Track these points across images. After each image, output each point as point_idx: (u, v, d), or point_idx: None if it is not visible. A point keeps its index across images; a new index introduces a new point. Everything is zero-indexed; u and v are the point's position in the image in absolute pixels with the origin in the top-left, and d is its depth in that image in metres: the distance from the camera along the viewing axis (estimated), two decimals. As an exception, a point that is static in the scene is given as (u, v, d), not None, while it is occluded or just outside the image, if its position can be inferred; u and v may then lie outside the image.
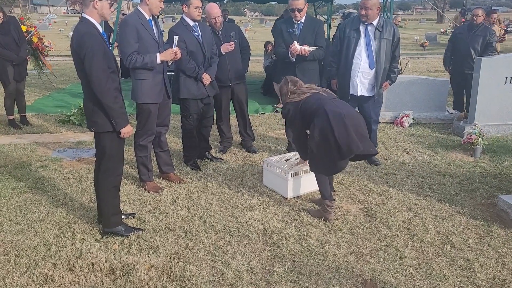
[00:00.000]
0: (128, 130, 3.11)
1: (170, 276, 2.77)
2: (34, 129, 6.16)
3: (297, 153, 4.19)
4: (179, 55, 3.88)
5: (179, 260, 2.95)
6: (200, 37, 4.33)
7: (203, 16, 4.82)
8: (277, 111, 7.21)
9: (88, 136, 5.66)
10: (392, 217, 3.57)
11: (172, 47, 3.88)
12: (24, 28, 6.63)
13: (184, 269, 2.83)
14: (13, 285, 2.67)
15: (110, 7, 3.05)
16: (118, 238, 3.20)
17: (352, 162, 4.62)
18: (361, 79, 4.57)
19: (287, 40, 4.70)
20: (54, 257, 2.95)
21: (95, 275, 2.76)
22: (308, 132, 3.53)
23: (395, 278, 2.77)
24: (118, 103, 3.01)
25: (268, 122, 6.64)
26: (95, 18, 2.97)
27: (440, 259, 2.98)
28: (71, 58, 3.04)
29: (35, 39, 7.25)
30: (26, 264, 2.88)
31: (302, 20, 4.68)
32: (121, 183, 3.46)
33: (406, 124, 6.24)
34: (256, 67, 12.34)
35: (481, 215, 3.61)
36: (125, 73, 8.98)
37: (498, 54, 7.40)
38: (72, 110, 6.50)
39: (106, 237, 3.21)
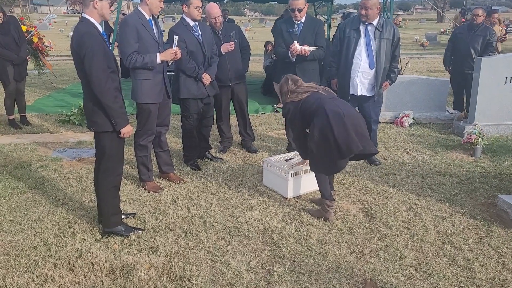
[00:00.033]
0: (128, 130, 3.11)
1: (170, 276, 2.77)
2: (34, 129, 6.16)
3: (298, 153, 4.19)
4: (179, 55, 3.88)
5: (179, 260, 2.95)
6: (200, 37, 4.33)
7: (203, 16, 4.82)
8: (277, 111, 7.21)
9: (88, 136, 5.66)
10: (392, 217, 3.57)
11: (172, 47, 3.88)
12: (24, 28, 6.63)
13: (184, 269, 2.83)
14: (13, 285, 2.67)
15: (110, 7, 3.06)
16: (118, 238, 3.20)
17: (352, 162, 4.62)
18: (361, 79, 4.57)
19: (287, 40, 4.70)
20: (54, 257, 2.96)
21: (95, 275, 2.76)
22: (308, 131, 3.53)
23: (395, 278, 2.77)
24: (118, 103, 3.01)
25: (268, 122, 6.64)
26: (95, 18, 2.97)
27: (440, 259, 2.98)
28: (71, 58, 3.04)
29: (35, 39, 7.25)
30: (26, 264, 2.88)
31: (302, 20, 4.68)
32: (121, 183, 3.46)
33: (406, 124, 6.24)
34: (256, 67, 12.34)
35: (481, 215, 3.61)
36: (125, 73, 8.98)
37: (500, 53, 7.41)
38: (72, 110, 6.50)
39: (106, 237, 3.21)
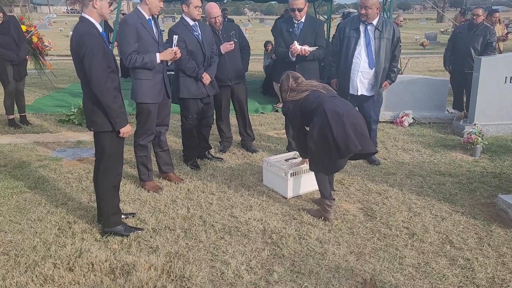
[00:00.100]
0: (127, 130, 3.11)
1: (170, 275, 2.77)
2: (34, 128, 6.16)
3: (297, 153, 4.19)
4: (178, 55, 3.88)
5: (179, 259, 2.95)
6: (200, 37, 4.33)
7: (203, 15, 4.82)
8: (276, 111, 7.21)
9: (88, 136, 5.66)
10: (391, 216, 3.57)
11: (171, 47, 3.88)
12: (24, 27, 6.63)
13: (183, 268, 2.83)
14: (12, 284, 2.67)
15: (110, 6, 3.05)
16: (117, 238, 3.20)
17: (352, 162, 4.62)
18: (361, 79, 4.57)
19: (287, 39, 4.70)
20: (54, 256, 2.96)
21: (94, 275, 2.76)
22: (308, 129, 3.53)
23: (395, 277, 2.77)
24: (117, 103, 3.01)
25: (268, 122, 6.64)
26: (94, 18, 2.97)
27: (440, 259, 2.98)
28: (71, 58, 3.04)
29: (35, 39, 7.25)
30: (25, 263, 2.88)
31: (302, 20, 4.68)
32: (121, 183, 3.45)
33: (406, 124, 6.24)
34: (256, 66, 12.34)
35: (481, 214, 3.61)
36: (124, 73, 8.98)
37: (501, 53, 7.40)
38: (72, 110, 6.50)
39: (106, 237, 3.21)
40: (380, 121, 5.65)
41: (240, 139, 5.33)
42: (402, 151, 5.22)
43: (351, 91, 4.63)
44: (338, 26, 5.88)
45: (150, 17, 3.79)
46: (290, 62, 4.64)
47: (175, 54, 3.84)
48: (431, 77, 7.23)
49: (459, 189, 4.12)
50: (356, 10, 10.64)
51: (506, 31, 8.20)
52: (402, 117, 6.29)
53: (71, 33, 3.26)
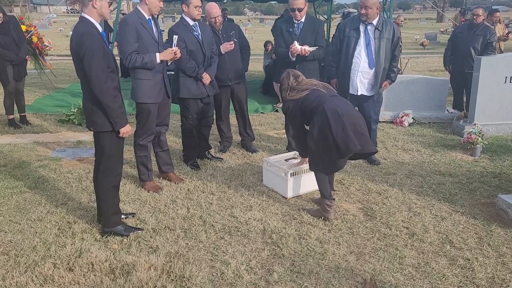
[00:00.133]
0: (127, 130, 3.11)
1: (170, 275, 2.77)
2: (34, 128, 6.16)
3: (297, 153, 4.19)
4: (178, 55, 3.88)
5: (179, 259, 2.95)
6: (200, 37, 4.33)
7: (203, 15, 4.82)
8: (276, 111, 7.22)
9: (87, 136, 5.66)
10: (391, 216, 3.57)
11: (171, 47, 3.88)
12: (24, 27, 6.63)
13: (183, 268, 2.83)
14: (12, 284, 2.67)
15: (109, 6, 3.05)
16: (117, 238, 3.20)
17: (352, 162, 4.62)
18: (361, 79, 4.57)
19: (287, 39, 4.70)
20: (54, 256, 2.96)
21: (94, 275, 2.76)
22: (308, 128, 3.52)
23: (395, 277, 2.77)
24: (117, 103, 3.01)
25: (268, 122, 6.64)
26: (94, 18, 2.97)
27: (440, 259, 2.98)
28: (71, 58, 3.03)
29: (34, 39, 7.25)
30: (25, 263, 2.88)
31: (302, 20, 4.68)
32: (121, 183, 3.45)
33: (406, 124, 6.24)
34: (256, 66, 12.34)
35: (481, 214, 3.61)
36: (124, 73, 8.98)
37: (502, 53, 7.39)
38: (72, 110, 6.50)
39: (106, 237, 3.21)
40: (380, 121, 5.65)
41: (240, 139, 5.33)
42: (402, 151, 5.22)
43: (351, 91, 4.63)
44: (338, 26, 5.88)
45: (150, 17, 3.79)
46: (290, 62, 4.64)
47: (175, 54, 3.84)
48: (431, 77, 7.22)
49: (459, 189, 4.12)
50: (356, 10, 10.63)
51: (507, 31, 8.19)
52: (402, 117, 6.29)
53: (71, 33, 3.25)
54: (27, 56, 6.31)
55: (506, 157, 4.92)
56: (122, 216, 3.41)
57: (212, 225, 3.42)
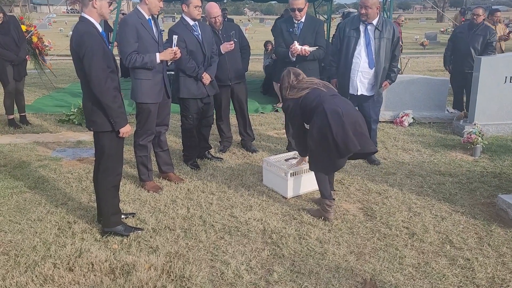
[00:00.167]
0: (127, 130, 3.11)
1: (170, 275, 2.77)
2: (34, 128, 6.16)
3: (297, 152, 4.19)
4: (178, 55, 3.88)
5: (179, 259, 2.95)
6: (200, 37, 4.33)
7: (203, 15, 4.82)
8: (276, 111, 7.22)
9: (87, 136, 5.66)
10: (391, 216, 3.57)
11: (171, 47, 3.88)
12: (24, 27, 6.63)
13: (183, 268, 2.83)
14: (12, 284, 2.67)
15: (109, 6, 3.05)
16: (117, 238, 3.20)
17: (352, 161, 4.62)
18: (361, 79, 4.57)
19: (287, 39, 4.70)
20: (54, 256, 2.95)
21: (94, 275, 2.76)
22: (308, 126, 3.52)
23: (395, 277, 2.77)
24: (117, 103, 3.01)
25: (268, 122, 6.64)
26: (94, 18, 2.97)
27: (440, 259, 2.98)
28: (71, 58, 3.04)
29: (34, 39, 7.25)
30: (25, 263, 2.88)
31: (302, 20, 4.68)
32: (121, 183, 3.45)
33: (406, 124, 6.24)
34: (256, 66, 12.34)
35: (481, 214, 3.61)
36: (124, 73, 8.98)
37: (503, 52, 7.38)
38: (72, 110, 6.50)
39: (106, 237, 3.21)
40: (380, 121, 5.65)
41: (240, 139, 5.33)
42: (402, 151, 5.22)
43: (351, 91, 4.63)
44: (338, 26, 5.88)
45: (150, 17, 3.79)
46: (290, 62, 4.64)
47: (175, 54, 3.84)
48: (431, 77, 7.22)
49: (459, 189, 4.12)
50: (356, 10, 10.63)
51: (507, 31, 8.18)
52: (402, 117, 6.29)
53: (71, 33, 3.25)
54: (27, 56, 6.31)
55: (506, 157, 4.92)
56: (122, 216, 3.41)
57: (212, 225, 3.42)
